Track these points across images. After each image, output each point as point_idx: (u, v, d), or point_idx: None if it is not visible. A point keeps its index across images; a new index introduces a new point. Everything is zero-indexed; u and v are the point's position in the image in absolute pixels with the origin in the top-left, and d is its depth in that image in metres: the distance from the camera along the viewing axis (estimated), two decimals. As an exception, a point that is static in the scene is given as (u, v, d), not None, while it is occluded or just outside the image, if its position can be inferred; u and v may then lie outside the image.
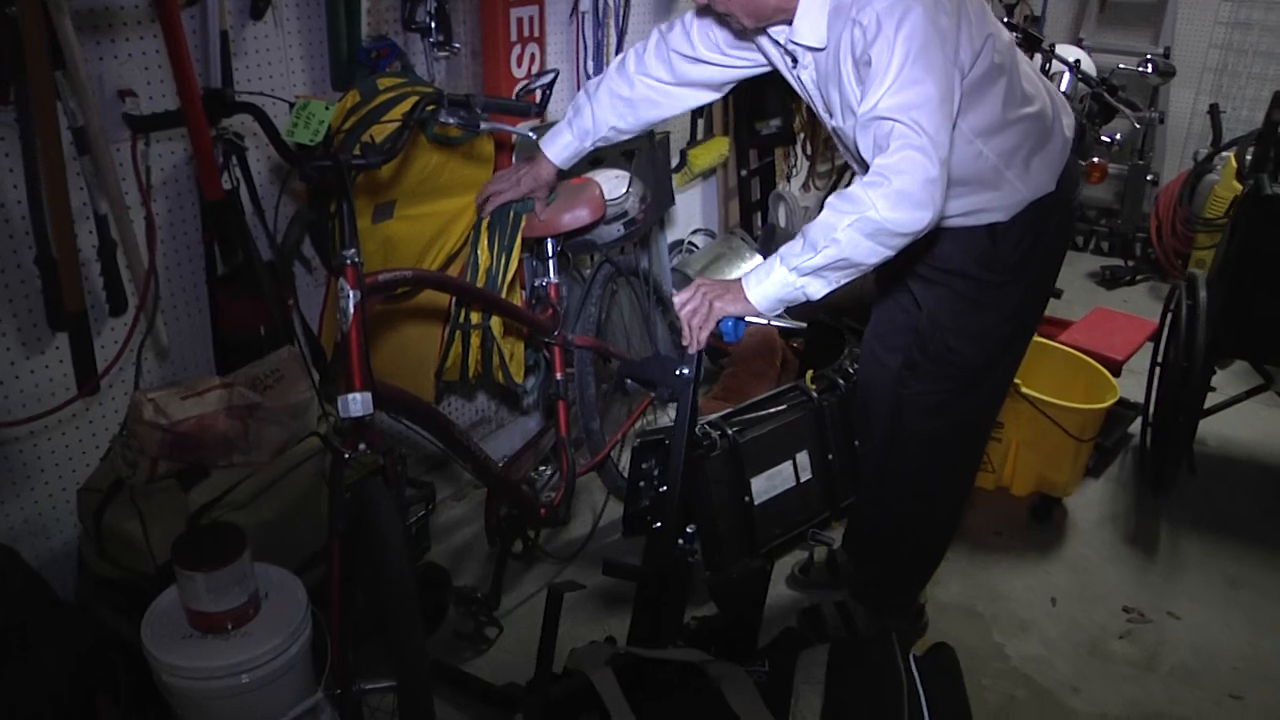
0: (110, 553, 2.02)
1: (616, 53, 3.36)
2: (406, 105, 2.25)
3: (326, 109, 1.96)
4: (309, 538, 2.14)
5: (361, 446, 1.96)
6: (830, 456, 3.02)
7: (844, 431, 3.03)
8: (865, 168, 1.86)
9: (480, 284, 2.54)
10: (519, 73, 2.91)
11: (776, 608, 2.78)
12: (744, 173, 4.20)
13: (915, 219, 1.79)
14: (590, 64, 3.28)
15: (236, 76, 2.27)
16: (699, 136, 3.88)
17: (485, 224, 2.57)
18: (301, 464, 2.14)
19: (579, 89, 2.53)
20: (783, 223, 4.35)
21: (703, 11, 2.22)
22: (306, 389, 2.14)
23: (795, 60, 2.08)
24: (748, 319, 2.00)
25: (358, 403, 1.92)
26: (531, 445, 2.68)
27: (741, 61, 2.29)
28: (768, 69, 2.29)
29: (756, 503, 2.84)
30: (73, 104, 1.96)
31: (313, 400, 2.16)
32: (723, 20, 2.14)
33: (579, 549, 2.96)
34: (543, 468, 2.75)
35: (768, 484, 2.87)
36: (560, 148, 2.47)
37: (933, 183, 1.76)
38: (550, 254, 2.67)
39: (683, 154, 3.74)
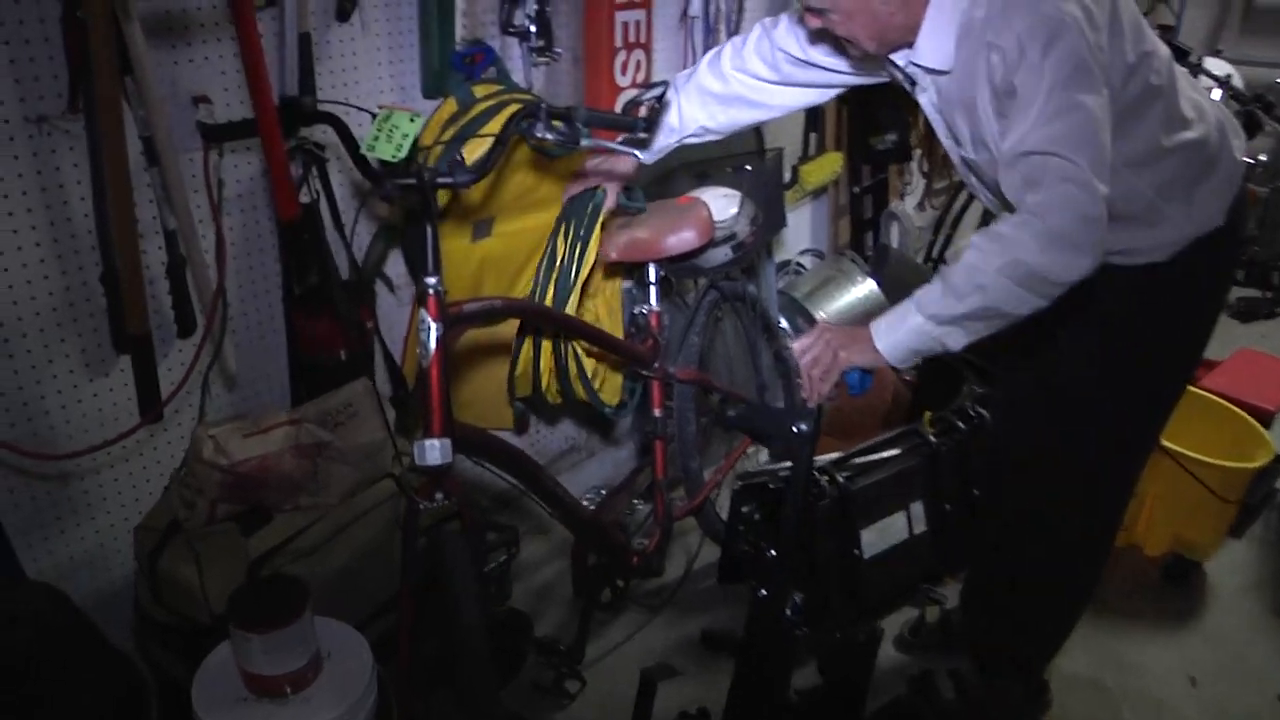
0: (165, 598, 1.84)
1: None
2: (506, 115, 2.03)
3: (411, 121, 1.74)
4: (379, 587, 1.94)
5: (438, 496, 1.76)
6: (947, 507, 2.72)
7: (962, 479, 2.73)
8: (1006, 207, 1.62)
9: (554, 279, 2.31)
10: (623, 81, 2.68)
11: (884, 672, 2.49)
12: (856, 189, 3.91)
13: (1073, 264, 1.54)
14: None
15: (319, 83, 2.07)
16: (811, 152, 3.60)
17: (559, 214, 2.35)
18: (374, 508, 1.93)
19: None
20: (895, 243, 4.05)
21: (817, 38, 1.97)
22: (380, 427, 1.94)
23: (914, 82, 1.83)
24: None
25: (435, 450, 1.70)
26: (625, 487, 2.44)
27: (858, 68, 2.03)
28: (886, 79, 2.03)
29: (866, 556, 2.55)
30: (141, 112, 1.79)
31: (387, 440, 1.95)
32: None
33: (671, 595, 2.71)
34: (637, 502, 2.51)
35: (879, 537, 2.57)
36: (649, 151, 2.24)
37: (1092, 222, 1.52)
38: (652, 280, 2.43)
39: (794, 170, 3.47)
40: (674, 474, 2.61)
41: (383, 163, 1.79)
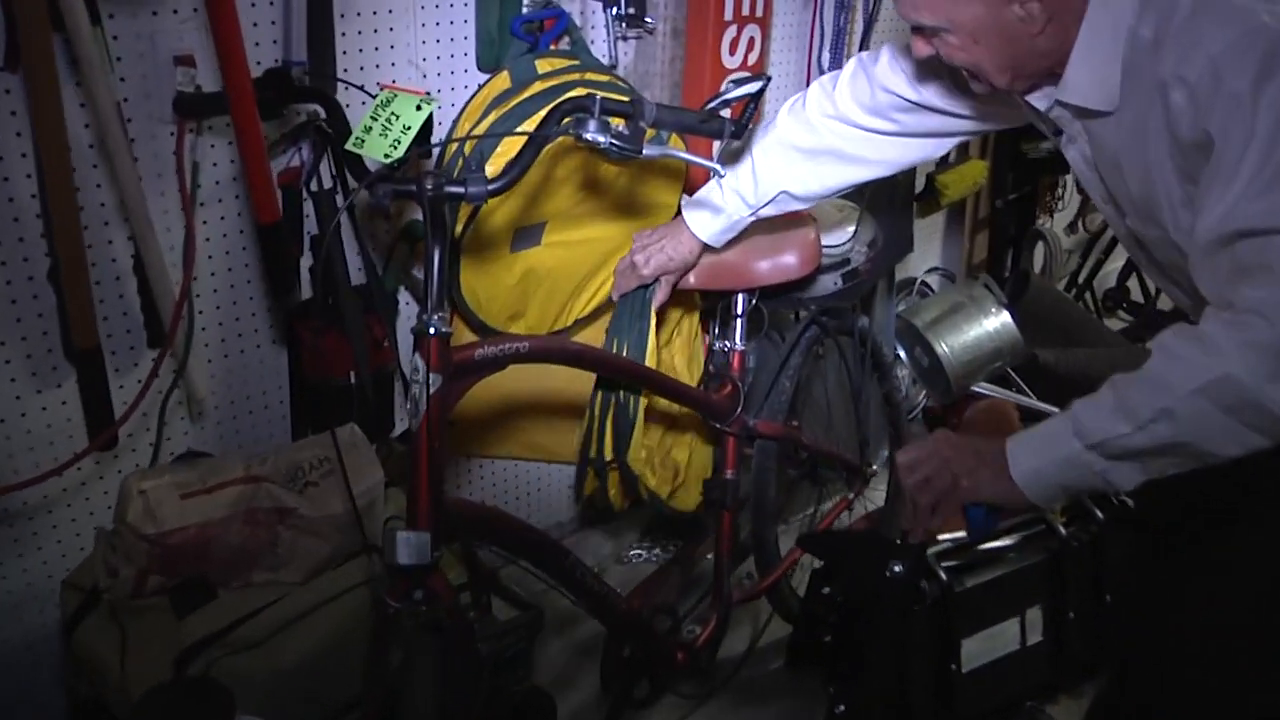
0: (84, 674, 1.46)
1: (862, 48, 2.56)
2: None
3: (419, 108, 1.30)
4: (342, 686, 1.51)
5: (416, 595, 1.34)
6: (1071, 615, 2.18)
7: (1094, 582, 2.19)
8: (1201, 301, 1.15)
9: (610, 418, 1.89)
10: (731, 62, 2.17)
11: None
12: (999, 203, 3.32)
13: None
14: (825, 58, 2.50)
15: (343, 49, 1.64)
16: (951, 159, 3.03)
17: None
18: (347, 591, 1.51)
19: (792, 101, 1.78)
20: (1038, 268, 3.45)
21: (929, 72, 1.48)
22: (373, 481, 1.51)
23: (1059, 130, 1.34)
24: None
25: (410, 545, 1.28)
26: (677, 563, 1.98)
27: (985, 112, 1.53)
28: (1022, 124, 1.54)
29: (965, 669, 2.04)
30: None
31: (378, 499, 1.53)
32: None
33: (727, 679, 2.25)
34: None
35: (983, 646, 2.06)
36: (708, 219, 1.79)
37: None
38: (739, 312, 1.95)
39: (930, 179, 2.91)
40: (742, 543, 2.14)
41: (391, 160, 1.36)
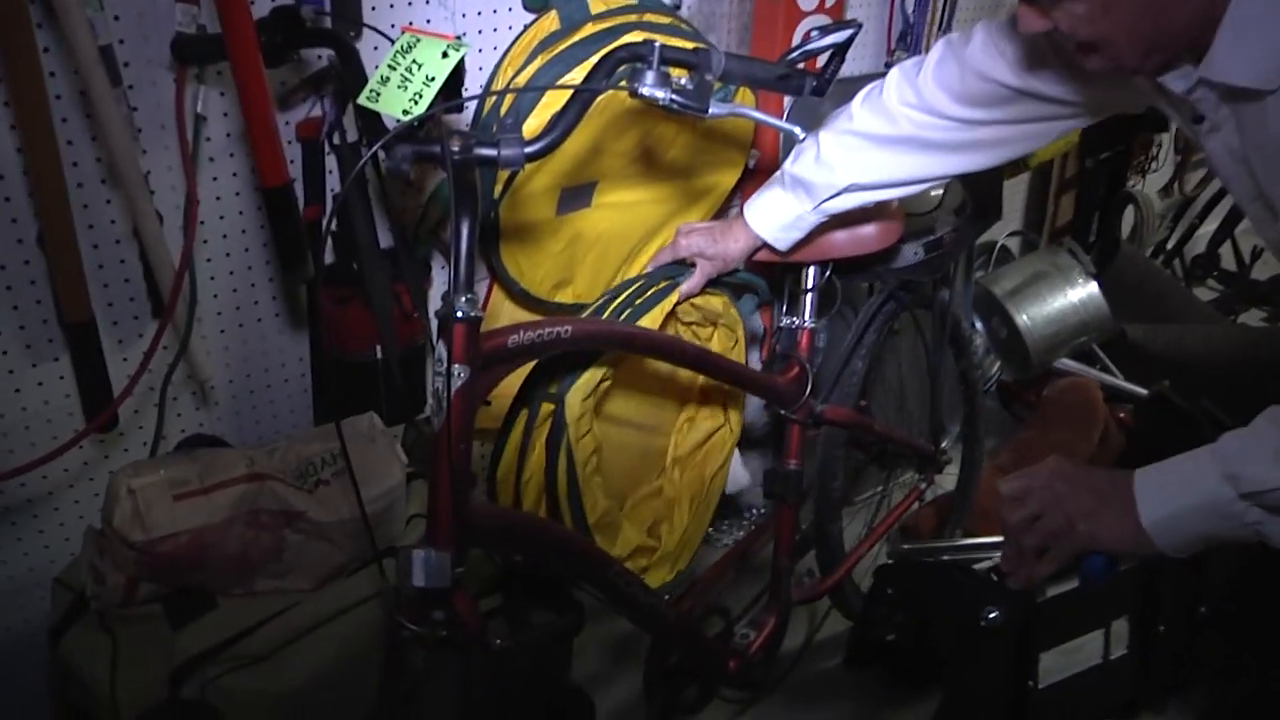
0: (71, 685, 1.29)
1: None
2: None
3: (445, 55, 1.07)
4: (353, 709, 1.32)
5: (437, 616, 1.15)
6: (1161, 628, 1.95)
7: (1191, 594, 1.95)
8: None
9: None
10: (807, 3, 1.92)
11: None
12: (1089, 162, 3.02)
13: None
14: (909, 5, 2.23)
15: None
16: (1042, 114, 2.73)
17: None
18: (362, 603, 1.32)
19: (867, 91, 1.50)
20: (1127, 234, 3.15)
21: (1035, 55, 1.22)
22: (391, 482, 1.32)
23: (1199, 116, 1.09)
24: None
25: (427, 566, 1.09)
26: (729, 562, 1.78)
27: (1097, 100, 1.27)
28: (1139, 110, 1.31)
29: (1041, 685, 1.83)
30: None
31: (398, 499, 1.33)
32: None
33: (780, 678, 2.05)
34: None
35: (1062, 661, 1.84)
36: (770, 214, 1.55)
37: None
38: (809, 286, 1.72)
39: (1018, 138, 2.63)
40: (803, 539, 1.93)
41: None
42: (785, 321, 1.75)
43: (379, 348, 1.57)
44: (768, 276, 1.82)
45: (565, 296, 1.80)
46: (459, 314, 1.12)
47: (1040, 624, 1.81)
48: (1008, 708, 1.83)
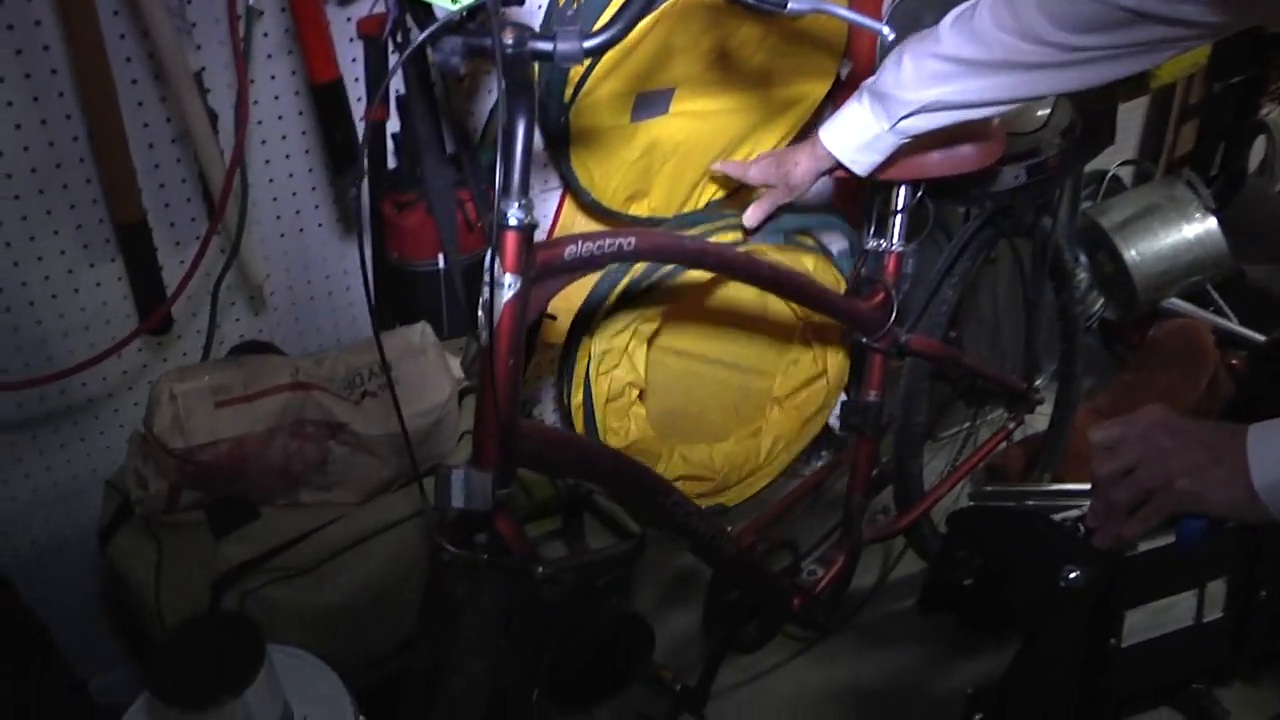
0: (118, 587, 1.27)
1: None
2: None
3: (502, -65, 0.97)
4: (395, 627, 1.28)
5: (479, 539, 1.09)
6: (1263, 593, 1.79)
7: (1296, 553, 1.79)
8: None
9: None
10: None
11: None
12: (1218, 86, 2.77)
13: None
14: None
15: None
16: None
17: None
18: (408, 519, 1.26)
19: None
20: (1255, 167, 2.89)
21: None
22: (440, 397, 1.24)
23: None
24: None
25: (463, 486, 1.02)
26: (799, 496, 1.68)
27: (1227, 19, 1.08)
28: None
29: (1125, 644, 1.70)
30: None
31: (448, 415, 1.26)
32: None
33: (847, 617, 1.96)
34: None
35: (1150, 621, 1.71)
36: (846, 132, 1.38)
37: None
38: (900, 207, 1.58)
39: (1138, 55, 2.40)
40: (881, 473, 1.82)
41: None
42: (872, 244, 1.62)
43: (441, 257, 1.50)
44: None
45: (640, 209, 1.70)
46: (510, 221, 1.03)
47: (1128, 580, 1.69)
48: (1086, 664, 1.73)
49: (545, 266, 1.10)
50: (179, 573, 1.19)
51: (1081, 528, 1.13)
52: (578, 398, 1.64)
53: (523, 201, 1.04)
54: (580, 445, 1.19)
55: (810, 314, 1.81)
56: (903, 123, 1.32)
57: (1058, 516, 1.32)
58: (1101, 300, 2.69)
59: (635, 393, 1.68)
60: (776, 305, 1.82)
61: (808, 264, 1.74)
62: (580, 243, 1.13)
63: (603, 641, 1.71)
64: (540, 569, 1.08)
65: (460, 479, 1.02)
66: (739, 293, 1.77)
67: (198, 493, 1.21)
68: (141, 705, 1.17)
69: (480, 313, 1.07)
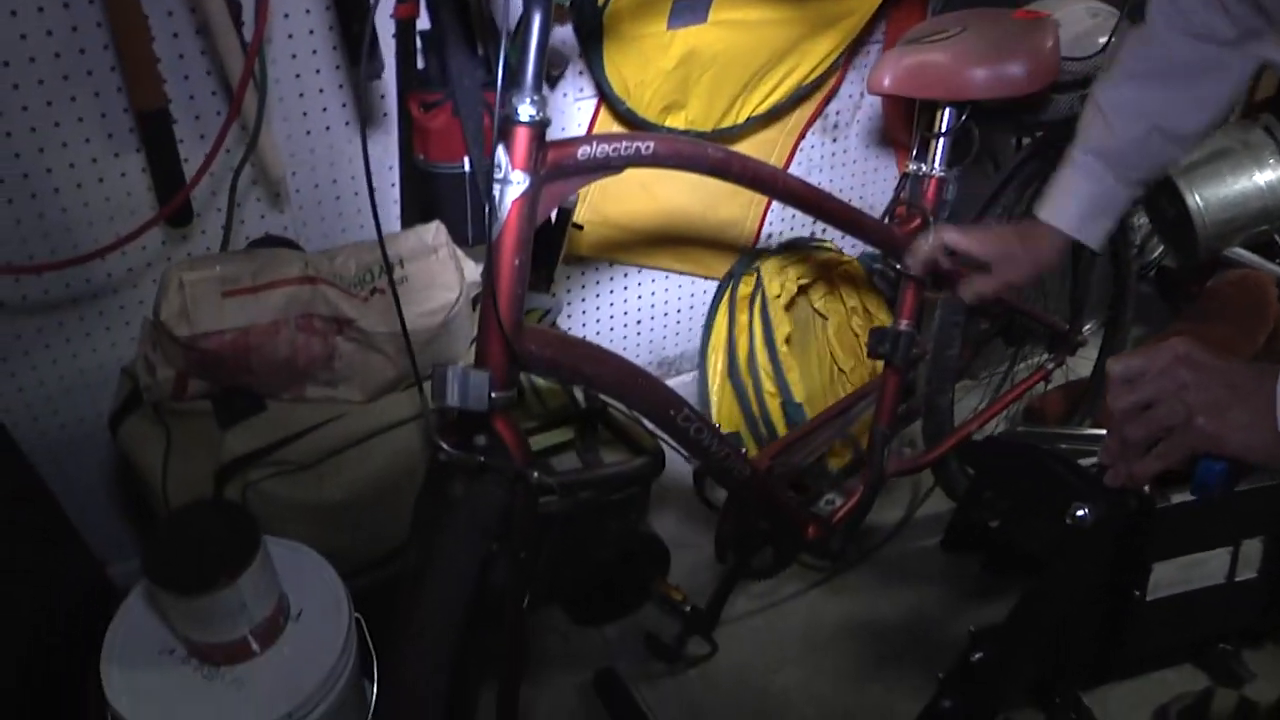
0: (128, 471, 1.28)
1: None
2: None
3: None
4: (394, 526, 1.26)
5: (479, 441, 1.07)
6: (1301, 554, 1.72)
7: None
8: None
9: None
10: None
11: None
12: (1303, 23, 2.60)
13: None
14: None
15: None
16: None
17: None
18: (412, 420, 1.25)
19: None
20: (1339, 111, 2.73)
21: None
22: (449, 297, 1.22)
23: None
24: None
25: (459, 385, 1.00)
26: (822, 423, 1.64)
27: None
28: None
29: (1149, 598, 1.65)
30: None
31: (459, 316, 1.24)
32: None
33: (870, 551, 1.92)
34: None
35: (1178, 575, 1.66)
36: (1068, 202, 1.26)
37: None
38: (944, 129, 1.51)
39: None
40: (911, 406, 1.77)
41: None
42: (913, 168, 1.56)
43: (466, 160, 1.47)
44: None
45: (677, 121, 1.65)
46: (521, 116, 1.00)
47: (1158, 531, 1.63)
48: (1110, 615, 1.67)
49: (557, 166, 1.06)
50: (185, 461, 1.19)
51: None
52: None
53: (535, 97, 1.00)
54: (587, 350, 1.15)
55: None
56: (1130, 168, 1.22)
57: (1085, 461, 1.26)
58: (1161, 248, 2.59)
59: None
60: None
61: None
62: (595, 143, 1.09)
63: (616, 559, 1.70)
64: (537, 474, 1.06)
65: (456, 377, 1.00)
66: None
67: (205, 383, 1.20)
68: (141, 590, 1.19)
69: (488, 211, 1.05)
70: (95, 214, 1.39)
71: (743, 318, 1.92)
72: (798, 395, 1.86)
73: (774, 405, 1.87)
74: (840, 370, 2.06)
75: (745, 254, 1.97)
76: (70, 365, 1.49)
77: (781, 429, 1.85)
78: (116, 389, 1.33)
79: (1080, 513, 0.94)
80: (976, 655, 1.15)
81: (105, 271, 1.44)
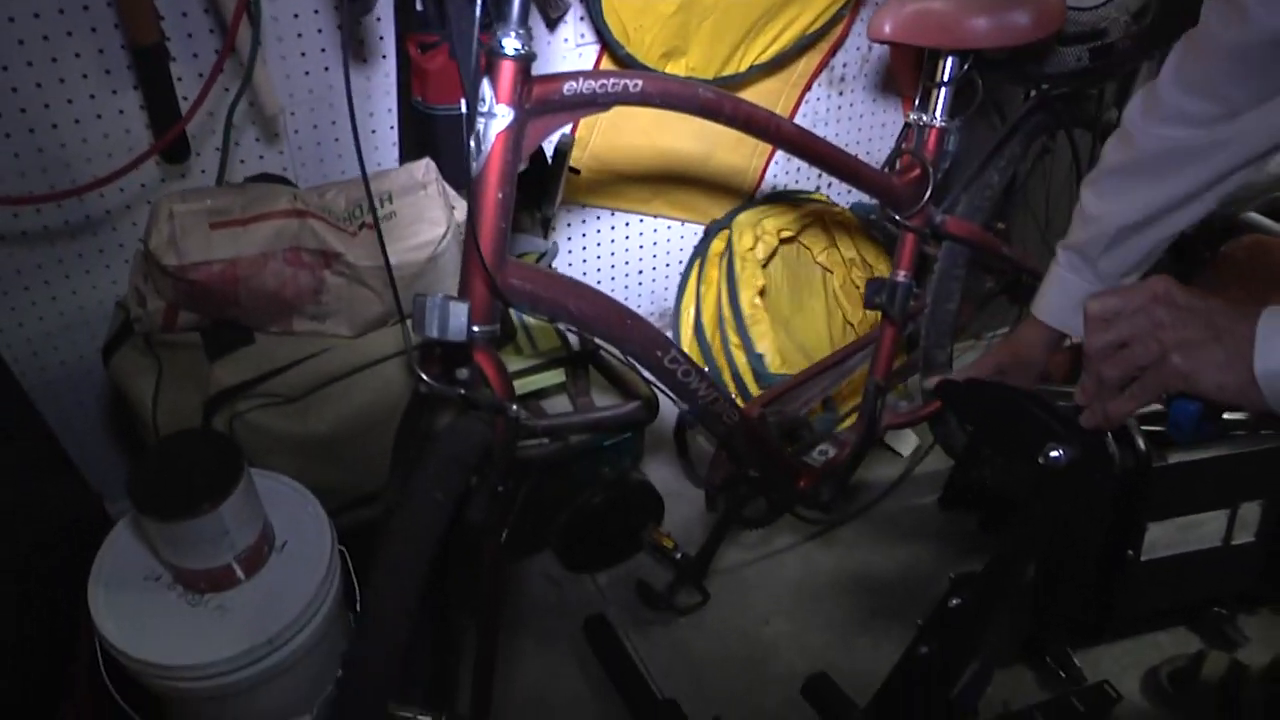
0: (121, 401, 1.29)
1: None
2: None
3: None
4: (383, 463, 1.27)
5: (461, 374, 1.07)
6: (1302, 519, 1.71)
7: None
8: None
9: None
10: None
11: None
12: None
13: None
14: None
15: None
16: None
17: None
18: (398, 354, 1.25)
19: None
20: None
21: None
22: (436, 232, 1.21)
23: None
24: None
25: (437, 315, 1.00)
26: (817, 373, 1.63)
27: None
28: None
29: (1144, 558, 1.65)
30: None
31: (446, 252, 1.23)
32: None
33: (866, 507, 1.92)
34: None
35: (1175, 536, 1.65)
36: (1057, 299, 1.29)
37: None
38: (945, 78, 1.49)
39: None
40: (908, 363, 1.76)
41: None
42: (914, 117, 1.54)
43: (463, 102, 1.46)
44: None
45: (677, 68, 1.64)
46: (506, 49, 0.99)
47: (1154, 491, 1.62)
48: (1104, 575, 1.67)
49: (542, 101, 1.05)
50: (175, 392, 1.21)
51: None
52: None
53: (519, 31, 1.00)
54: (572, 287, 1.15)
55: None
56: (1102, 265, 1.20)
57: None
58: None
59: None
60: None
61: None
62: (581, 79, 1.08)
63: (609, 506, 1.71)
64: (516, 408, 1.06)
65: (435, 307, 1.00)
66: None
67: (194, 315, 1.21)
68: (129, 518, 1.20)
69: (471, 146, 1.04)
70: (94, 150, 1.39)
71: (712, 273, 1.90)
72: (760, 347, 1.82)
73: (740, 358, 1.86)
74: (849, 324, 2.04)
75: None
76: (70, 302, 1.50)
77: (751, 383, 1.83)
78: (110, 321, 1.34)
79: (1054, 454, 0.93)
80: (954, 601, 1.14)
81: (104, 208, 1.44)
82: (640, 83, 1.13)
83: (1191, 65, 1.06)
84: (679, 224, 1.95)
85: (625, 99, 1.13)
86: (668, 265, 2.01)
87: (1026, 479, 1.02)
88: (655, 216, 1.91)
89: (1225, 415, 1.60)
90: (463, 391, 1.06)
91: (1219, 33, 1.01)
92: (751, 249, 1.86)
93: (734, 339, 1.84)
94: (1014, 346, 1.35)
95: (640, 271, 1.99)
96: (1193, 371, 0.80)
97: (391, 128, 1.56)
